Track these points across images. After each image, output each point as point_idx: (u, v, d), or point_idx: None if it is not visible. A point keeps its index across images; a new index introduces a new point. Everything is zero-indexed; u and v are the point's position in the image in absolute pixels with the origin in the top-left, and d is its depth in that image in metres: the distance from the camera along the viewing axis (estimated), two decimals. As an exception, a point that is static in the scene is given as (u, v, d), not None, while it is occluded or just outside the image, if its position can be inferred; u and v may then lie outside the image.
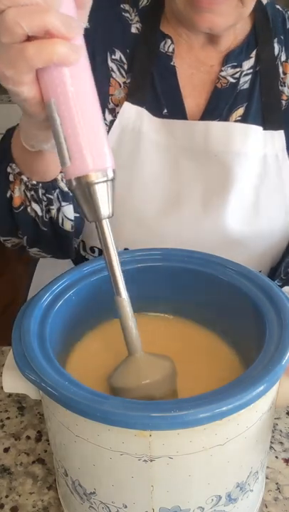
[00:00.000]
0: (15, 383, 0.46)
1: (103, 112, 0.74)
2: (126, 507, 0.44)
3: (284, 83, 0.75)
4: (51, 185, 0.64)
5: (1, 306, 2.01)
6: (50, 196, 0.64)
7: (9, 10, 0.37)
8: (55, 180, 0.63)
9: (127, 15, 0.75)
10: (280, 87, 0.75)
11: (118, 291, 0.46)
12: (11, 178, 0.64)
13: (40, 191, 0.64)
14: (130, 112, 0.73)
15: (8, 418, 0.67)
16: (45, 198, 0.65)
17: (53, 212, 0.66)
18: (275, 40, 0.75)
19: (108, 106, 0.75)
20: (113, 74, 0.74)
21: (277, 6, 0.78)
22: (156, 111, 0.74)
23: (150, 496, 0.43)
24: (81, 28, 0.41)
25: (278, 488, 0.58)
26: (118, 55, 0.74)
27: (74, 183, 0.42)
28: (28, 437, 0.65)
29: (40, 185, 0.63)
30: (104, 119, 0.74)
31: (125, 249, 0.77)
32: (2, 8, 0.37)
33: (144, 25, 0.74)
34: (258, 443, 0.45)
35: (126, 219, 0.75)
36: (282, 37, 0.75)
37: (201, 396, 0.39)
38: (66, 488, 0.49)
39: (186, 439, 0.39)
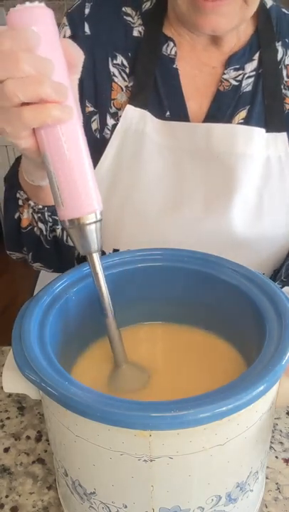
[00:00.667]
0: (15, 383, 0.46)
1: (105, 118, 0.75)
2: (126, 507, 0.44)
3: (288, 87, 0.75)
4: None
5: (1, 306, 2.01)
6: (55, 217, 0.70)
7: (7, 81, 0.42)
8: None
9: (129, 18, 0.75)
10: (283, 90, 0.74)
11: (106, 314, 0.51)
12: (20, 202, 0.70)
13: (47, 214, 0.70)
14: (133, 115, 0.74)
15: (8, 418, 0.67)
16: (50, 220, 0.70)
17: (58, 231, 0.72)
18: (280, 43, 0.75)
19: (110, 110, 0.75)
20: (115, 78, 0.74)
21: (284, 10, 0.77)
22: (158, 113, 0.74)
23: (150, 496, 0.43)
24: (71, 91, 0.46)
25: (278, 488, 0.58)
26: (120, 59, 0.74)
27: (67, 223, 0.48)
28: (28, 437, 0.65)
29: (46, 208, 0.69)
30: (106, 124, 0.75)
31: None
32: (1, 79, 0.42)
33: (146, 28, 0.74)
34: (258, 443, 0.45)
35: (128, 220, 0.75)
36: (287, 40, 0.75)
37: (201, 396, 0.39)
38: (66, 488, 0.49)
39: (186, 439, 0.39)
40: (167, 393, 0.51)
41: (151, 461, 0.40)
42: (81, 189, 0.47)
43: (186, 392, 0.41)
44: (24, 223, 0.71)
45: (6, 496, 0.58)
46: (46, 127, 0.44)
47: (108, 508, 0.45)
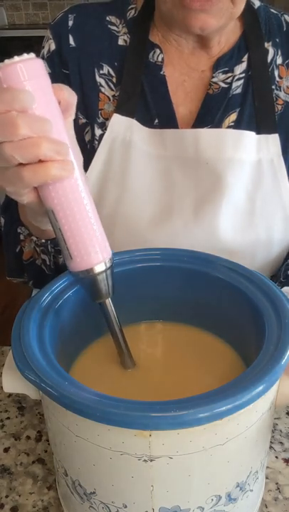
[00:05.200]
0: (15, 383, 0.46)
1: (92, 128, 0.74)
2: (126, 507, 0.44)
3: (279, 87, 0.74)
4: None
5: (1, 306, 2.01)
6: (58, 248, 0.70)
7: (4, 144, 0.41)
8: None
9: (114, 27, 0.74)
10: (275, 91, 0.73)
11: (125, 365, 0.53)
12: (21, 237, 0.70)
13: (50, 246, 0.69)
14: (120, 124, 0.72)
15: (8, 418, 0.67)
16: (53, 250, 0.70)
17: (60, 259, 0.72)
18: (270, 43, 0.74)
19: (98, 120, 0.74)
20: (102, 89, 0.74)
21: (272, 9, 0.76)
22: (146, 121, 0.73)
23: (150, 496, 0.43)
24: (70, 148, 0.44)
25: (278, 488, 0.58)
26: (106, 69, 0.74)
27: (78, 275, 0.48)
28: (28, 437, 0.65)
29: (49, 241, 0.68)
30: (94, 135, 0.74)
31: None
32: None
33: (132, 36, 0.73)
34: (258, 443, 0.45)
35: (117, 230, 0.74)
36: (277, 40, 0.74)
37: (201, 396, 0.39)
38: (66, 488, 0.49)
39: (186, 439, 0.39)
40: (167, 393, 0.51)
41: (151, 461, 0.40)
42: (88, 241, 0.46)
43: (185, 392, 0.41)
44: (26, 256, 0.71)
45: (6, 496, 0.58)
46: (48, 185, 0.44)
47: (108, 508, 0.45)
